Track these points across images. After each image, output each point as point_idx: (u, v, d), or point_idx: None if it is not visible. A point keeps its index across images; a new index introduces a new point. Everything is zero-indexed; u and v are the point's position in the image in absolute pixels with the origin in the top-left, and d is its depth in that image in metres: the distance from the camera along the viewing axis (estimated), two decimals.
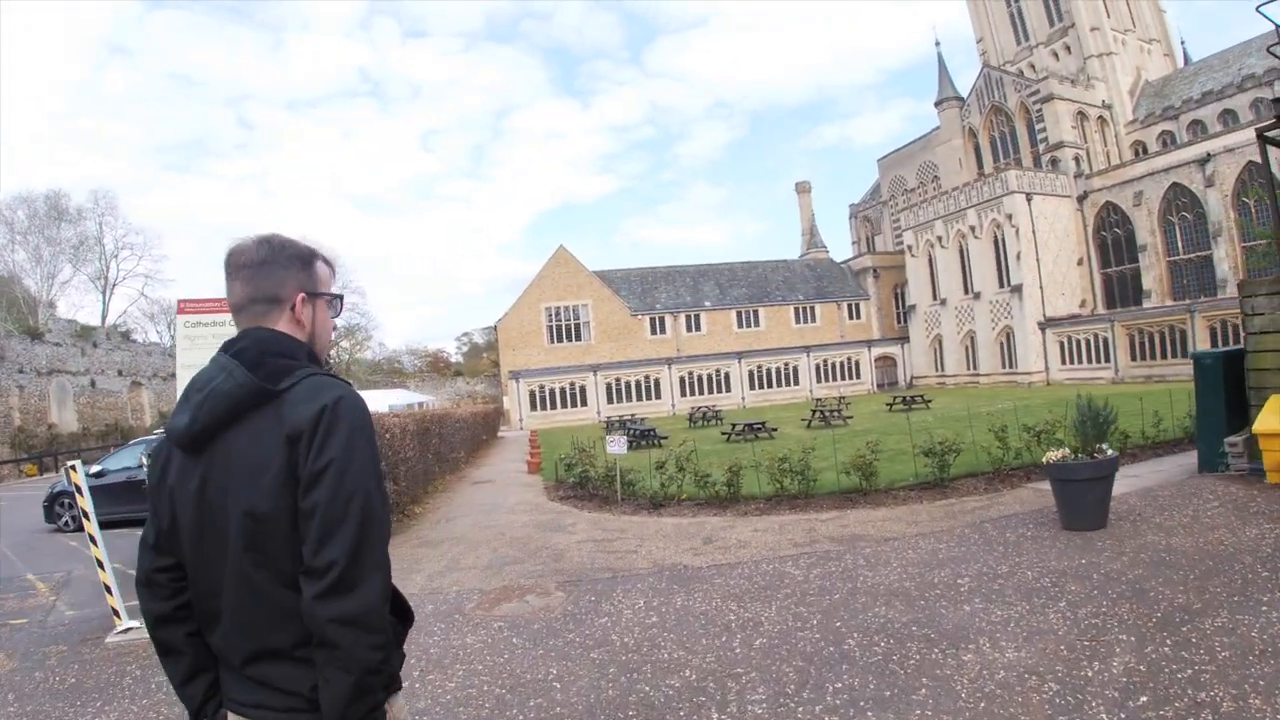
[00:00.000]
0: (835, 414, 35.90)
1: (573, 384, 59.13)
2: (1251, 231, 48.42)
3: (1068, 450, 9.58)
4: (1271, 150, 13.38)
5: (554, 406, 58.70)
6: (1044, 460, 9.61)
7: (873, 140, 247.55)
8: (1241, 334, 13.02)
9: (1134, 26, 68.54)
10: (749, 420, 33.63)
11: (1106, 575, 7.26)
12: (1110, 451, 9.48)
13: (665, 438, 32.67)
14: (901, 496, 13.18)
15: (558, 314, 62.63)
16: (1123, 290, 56.95)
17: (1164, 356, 49.01)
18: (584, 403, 58.95)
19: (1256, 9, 11.93)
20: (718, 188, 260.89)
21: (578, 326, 62.92)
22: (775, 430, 32.54)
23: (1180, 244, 53.32)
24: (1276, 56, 12.84)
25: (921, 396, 42.48)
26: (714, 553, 10.15)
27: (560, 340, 62.47)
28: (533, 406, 58.18)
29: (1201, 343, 46.07)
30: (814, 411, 36.81)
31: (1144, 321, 50.61)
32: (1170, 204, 53.28)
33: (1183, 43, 73.22)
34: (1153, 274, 54.07)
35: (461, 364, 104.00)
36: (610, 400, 59.04)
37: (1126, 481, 11.89)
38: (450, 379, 79.06)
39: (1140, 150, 62.36)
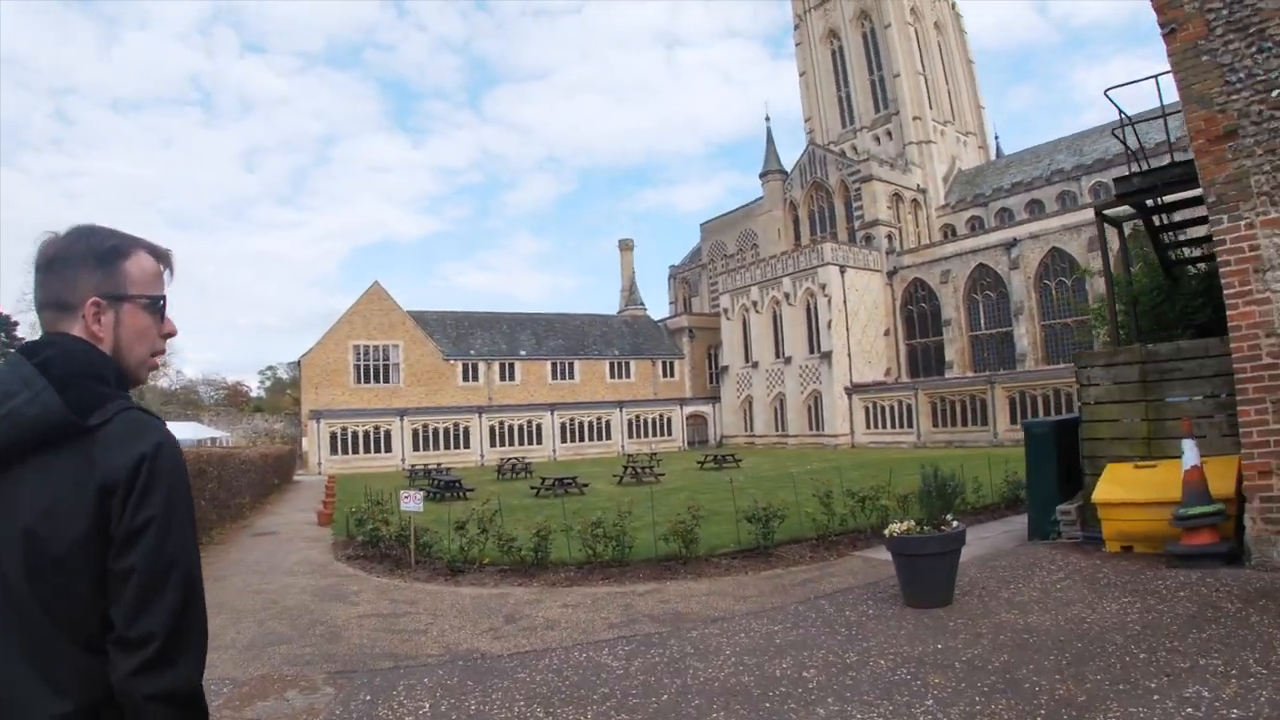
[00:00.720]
0: (647, 470, 35.12)
1: (378, 428, 55.80)
2: (1051, 311, 51.74)
3: (912, 522, 8.74)
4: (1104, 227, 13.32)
5: (357, 451, 55.17)
6: (887, 533, 8.81)
7: (694, 208, 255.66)
8: (1076, 403, 13.13)
9: (954, 119, 73.86)
10: (560, 474, 32.54)
11: (970, 663, 6.43)
12: (956, 524, 8.85)
13: (471, 490, 31.15)
14: (724, 565, 12.29)
15: (367, 353, 59.23)
16: (926, 361, 60.22)
17: (964, 424, 51.54)
18: (389, 448, 55.74)
19: (1105, 92, 12.46)
20: (540, 240, 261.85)
21: (387, 368, 59.74)
22: (586, 485, 31.48)
23: (983, 320, 56.75)
24: (1120, 139, 13.12)
25: (732, 455, 42.38)
26: (517, 635, 8.83)
27: (367, 381, 59.10)
28: (333, 450, 54.47)
29: (1001, 412, 49.06)
30: (626, 467, 36.08)
31: (946, 390, 53.22)
32: (975, 283, 56.95)
33: (996, 138, 78.93)
34: (955, 346, 57.30)
35: (263, 399, 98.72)
36: (417, 447, 56.04)
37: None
38: (249, 415, 74.18)
39: (950, 232, 66.15)
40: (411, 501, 13.48)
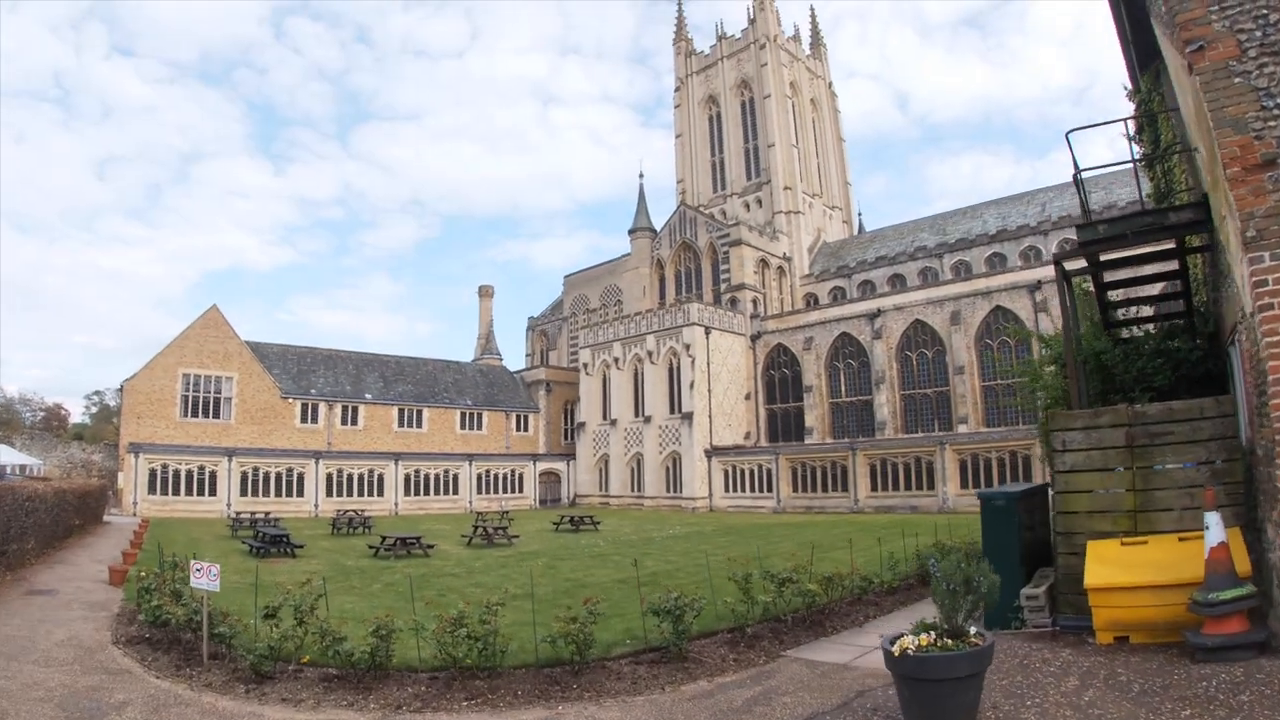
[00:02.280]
0: (500, 531, 32.34)
1: (203, 468, 50.25)
2: (911, 381, 52.43)
3: (927, 635, 6.44)
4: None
5: (178, 492, 49.25)
6: (895, 650, 6.30)
7: (554, 263, 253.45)
8: (1046, 471, 12.28)
9: (821, 193, 75.79)
10: (402, 533, 29.44)
11: None
12: (980, 633, 6.63)
13: (300, 546, 27.88)
14: (628, 674, 9.61)
15: (197, 383, 53.39)
16: (785, 425, 60.04)
17: (825, 489, 51.53)
18: (213, 491, 50.10)
19: (1065, 135, 11.48)
20: (397, 282, 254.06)
21: (218, 401, 54.17)
22: (433, 547, 28.67)
23: (844, 387, 56.88)
24: (1079, 184, 12.03)
25: (590, 517, 39.96)
26: None
27: (196, 415, 53.37)
28: (152, 489, 48.39)
29: (862, 479, 49.62)
30: (476, 527, 33.10)
31: (808, 456, 53.08)
32: (838, 350, 57.34)
33: (859, 215, 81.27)
34: (816, 413, 57.31)
35: (86, 426, 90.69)
36: (245, 492, 50.68)
37: (879, 657, 9.59)
38: (66, 443, 67.30)
39: (812, 300, 66.87)
40: (204, 577, 10.27)
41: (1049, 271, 48.06)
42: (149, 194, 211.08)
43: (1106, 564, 8.73)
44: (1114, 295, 13.43)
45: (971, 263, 59.51)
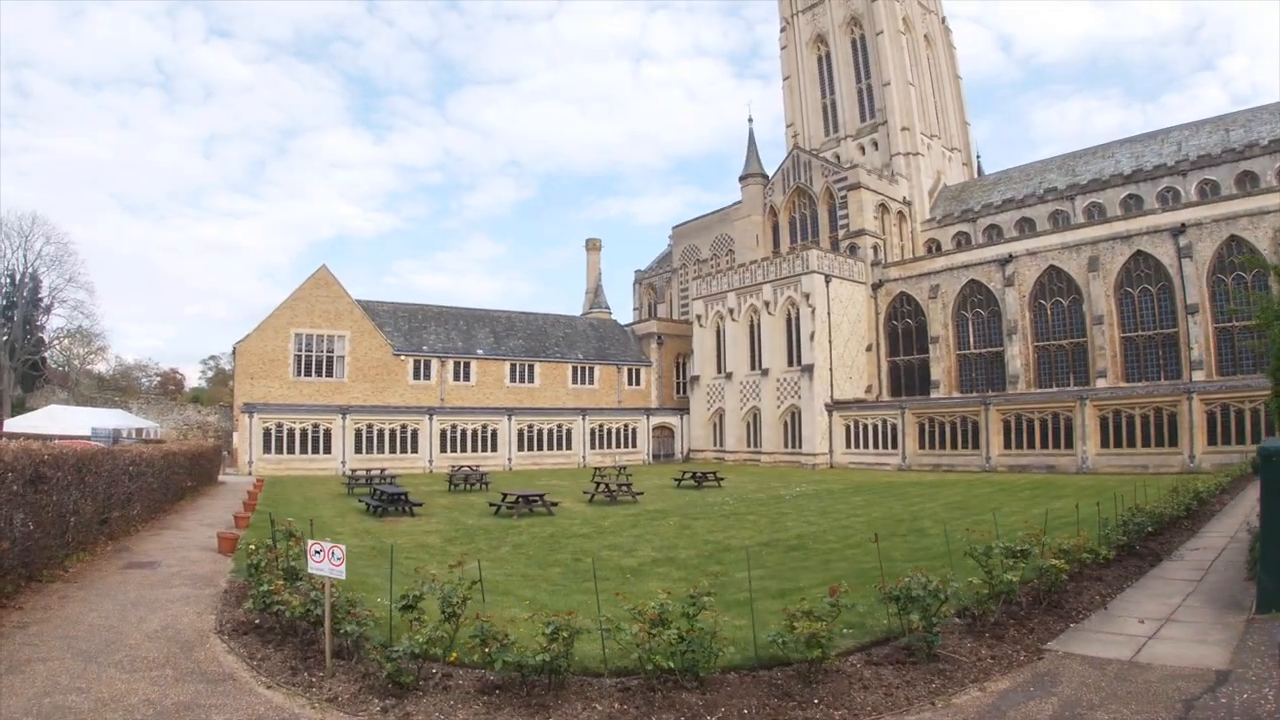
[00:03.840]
0: (624, 488, 31.01)
1: (317, 426, 50.29)
2: (1046, 332, 49.40)
3: None
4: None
5: (292, 450, 49.46)
6: None
7: (651, 220, 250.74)
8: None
9: (940, 134, 71.69)
10: (524, 490, 28.20)
11: None
12: None
13: (419, 505, 26.92)
14: (873, 680, 7.73)
15: (309, 343, 53.45)
16: (909, 379, 57.46)
17: (954, 446, 48.69)
18: (328, 449, 50.14)
19: None
20: (498, 243, 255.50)
21: (330, 360, 54.17)
22: (555, 504, 27.40)
23: (972, 338, 53.88)
24: None
25: (714, 473, 38.31)
26: None
27: (309, 374, 53.44)
28: (267, 448, 48.71)
29: (995, 435, 46.63)
30: (597, 484, 32.02)
31: (935, 411, 50.20)
32: (966, 299, 54.14)
33: (978, 157, 76.51)
34: (942, 365, 54.54)
35: (203, 390, 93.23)
36: (359, 450, 50.61)
37: (1168, 647, 8.47)
38: (181, 405, 68.78)
39: (934, 247, 63.38)
40: (325, 561, 8.41)
41: (1194, 214, 44.57)
42: (252, 169, 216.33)
43: None
44: None
45: (1105, 205, 55.19)
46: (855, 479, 42.33)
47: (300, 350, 52.93)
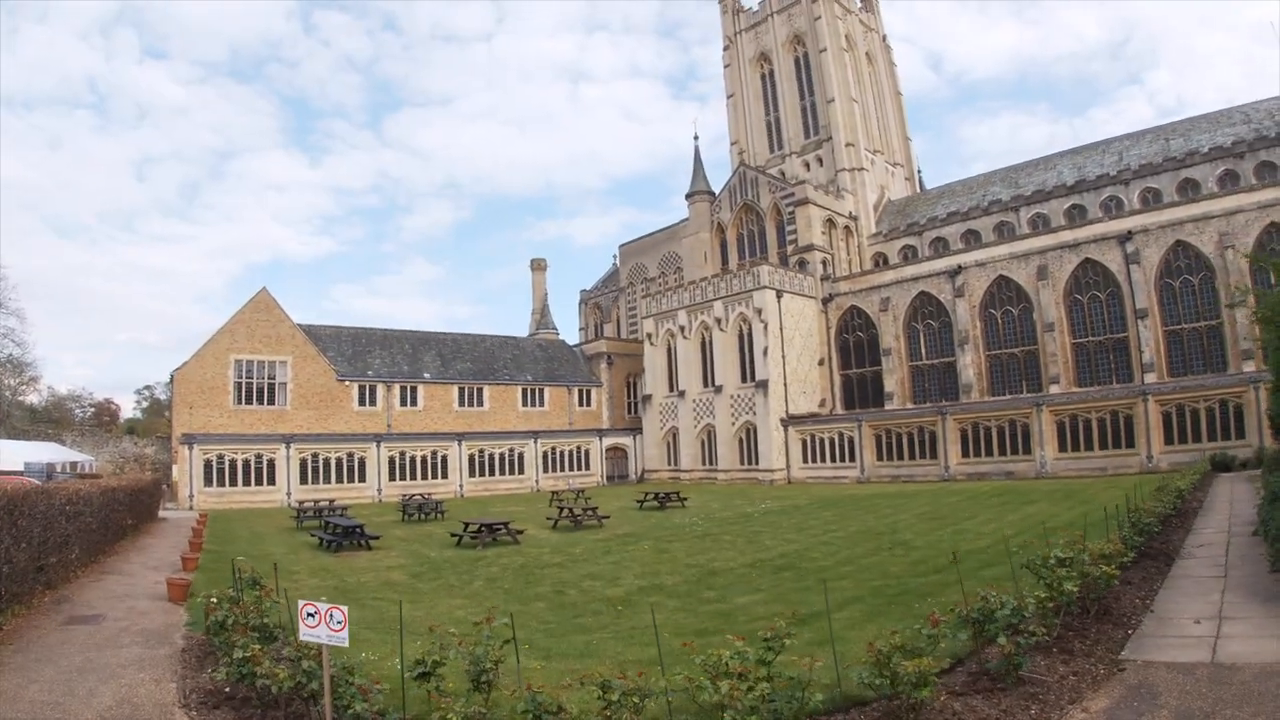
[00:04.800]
0: (589, 513, 29.92)
1: (260, 456, 48.24)
2: (997, 341, 49.80)
3: None
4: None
5: (235, 483, 47.22)
6: None
7: (591, 240, 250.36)
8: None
9: (883, 150, 72.18)
10: (483, 518, 27.27)
11: None
12: None
13: (376, 537, 25.48)
14: (967, 715, 6.97)
15: (250, 369, 51.29)
16: (862, 391, 57.52)
17: (912, 457, 48.86)
18: (272, 480, 48.05)
19: None
20: (435, 265, 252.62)
21: (272, 387, 52.07)
22: (521, 532, 26.23)
23: (924, 350, 54.08)
24: None
25: (676, 494, 37.54)
26: None
27: (250, 402, 51.29)
28: (208, 481, 46.46)
29: (952, 445, 46.97)
30: (560, 509, 30.80)
31: (892, 422, 50.32)
32: (917, 311, 54.30)
33: (919, 172, 77.14)
34: (895, 376, 54.80)
35: (139, 420, 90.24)
36: (305, 480, 48.62)
37: (1240, 646, 8.36)
38: (117, 437, 66.21)
39: (882, 260, 63.73)
40: (322, 626, 6.91)
41: (1141, 221, 45.32)
42: (186, 192, 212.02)
43: None
44: None
45: (1049, 215, 55.87)
46: (817, 493, 41.87)
47: (240, 377, 50.93)
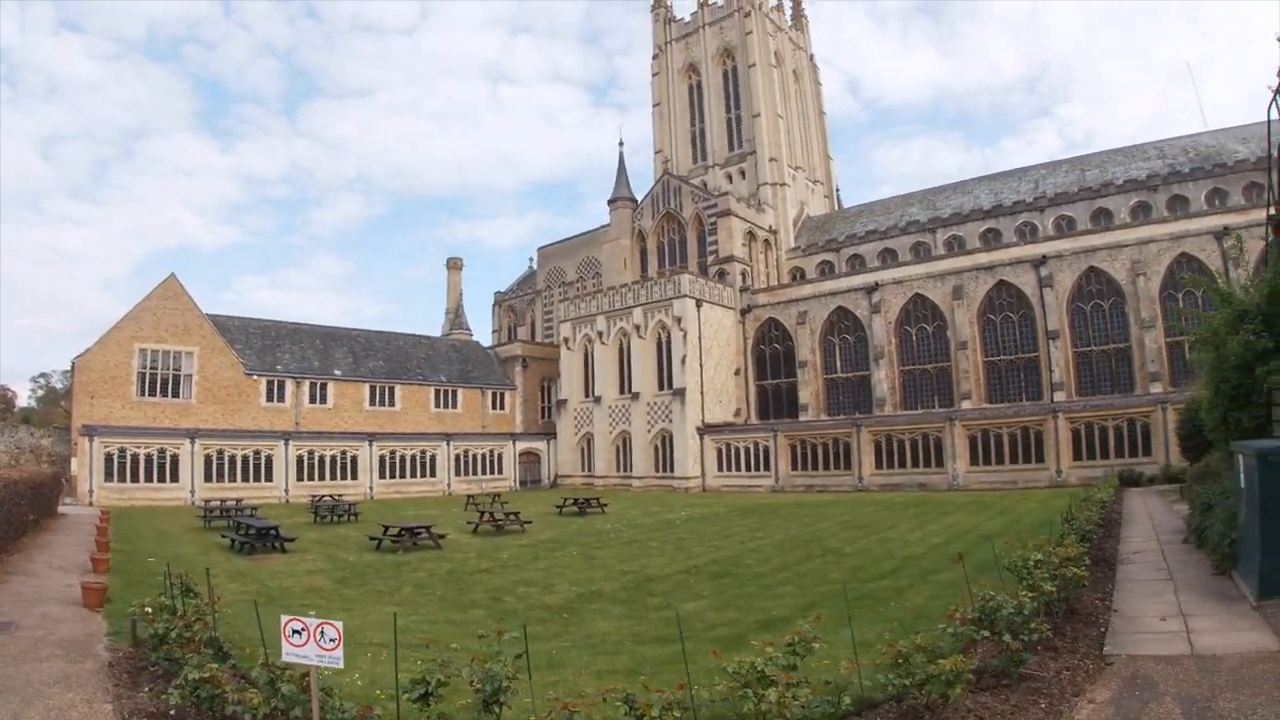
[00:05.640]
0: (511, 517, 29.45)
1: (163, 451, 46.01)
2: (911, 356, 50.90)
3: None
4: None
5: (137, 478, 45.02)
6: None
7: (504, 242, 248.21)
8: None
9: (805, 167, 73.45)
10: (400, 521, 26.51)
11: None
12: None
13: (291, 540, 24.52)
14: (980, 710, 7.13)
15: (155, 360, 48.90)
16: (777, 402, 58.26)
17: (826, 467, 49.77)
18: (175, 477, 45.97)
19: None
20: (344, 261, 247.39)
21: (177, 379, 49.75)
22: (443, 536, 25.59)
23: (839, 363, 55.18)
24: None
25: (597, 500, 37.40)
26: None
27: (154, 394, 48.92)
28: (109, 476, 44.13)
29: (866, 456, 47.78)
30: (481, 513, 30.35)
31: (807, 433, 51.17)
32: (833, 325, 55.54)
33: (838, 190, 78.56)
34: (810, 389, 55.62)
35: (34, 410, 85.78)
36: (210, 478, 46.70)
37: (1213, 639, 8.77)
38: (13, 427, 62.84)
39: (799, 275, 64.84)
40: (310, 644, 6.17)
41: (1055, 246, 46.96)
42: (95, 172, 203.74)
43: None
44: None
45: (965, 238, 57.52)
46: (733, 501, 42.08)
47: (145, 367, 48.74)
